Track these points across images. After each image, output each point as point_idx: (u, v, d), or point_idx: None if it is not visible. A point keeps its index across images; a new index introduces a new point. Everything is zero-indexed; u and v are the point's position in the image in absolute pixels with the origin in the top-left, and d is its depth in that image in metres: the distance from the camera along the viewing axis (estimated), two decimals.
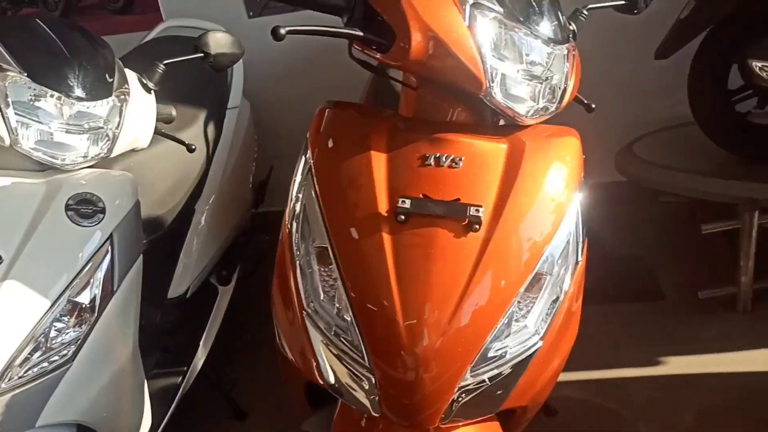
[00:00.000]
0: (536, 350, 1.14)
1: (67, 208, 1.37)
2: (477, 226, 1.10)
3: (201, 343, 2.02)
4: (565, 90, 1.24)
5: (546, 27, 1.19)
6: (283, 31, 1.09)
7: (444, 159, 1.15)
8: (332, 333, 1.14)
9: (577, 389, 2.08)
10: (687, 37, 2.15)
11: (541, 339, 1.14)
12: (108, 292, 1.41)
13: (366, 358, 1.10)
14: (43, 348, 1.31)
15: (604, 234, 2.51)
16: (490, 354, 1.11)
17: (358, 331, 1.10)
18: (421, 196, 1.12)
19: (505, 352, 1.12)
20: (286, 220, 1.26)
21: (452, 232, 1.10)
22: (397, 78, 1.27)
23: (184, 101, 2.02)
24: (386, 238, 1.11)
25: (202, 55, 1.59)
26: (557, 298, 1.16)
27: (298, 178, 1.26)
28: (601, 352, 2.23)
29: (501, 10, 1.14)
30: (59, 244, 1.36)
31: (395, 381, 1.09)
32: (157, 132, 1.60)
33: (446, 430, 1.16)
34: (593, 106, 1.45)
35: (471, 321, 1.08)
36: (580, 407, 2.02)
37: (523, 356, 1.13)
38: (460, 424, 1.16)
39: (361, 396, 1.14)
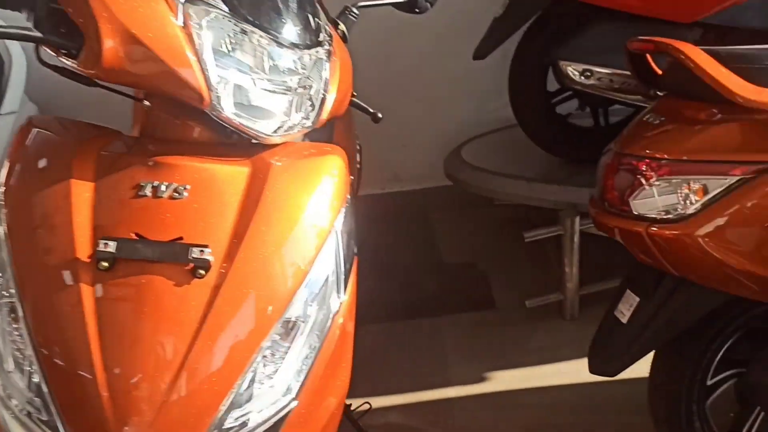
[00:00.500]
0: (290, 411, 0.95)
1: None
2: (202, 271, 0.90)
3: None
4: (324, 100, 1.07)
5: (289, 29, 1.03)
6: None
7: (164, 188, 0.94)
8: (24, 413, 0.90)
9: (400, 414, 1.98)
10: (501, 37, 2.05)
11: (295, 399, 0.96)
12: None
13: None
14: None
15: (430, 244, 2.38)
16: (227, 425, 0.91)
17: (55, 410, 0.88)
18: (132, 235, 0.91)
19: (247, 420, 0.92)
20: None
21: (172, 280, 0.90)
22: (117, 89, 1.04)
23: None
24: (86, 291, 0.89)
25: None
26: (315, 345, 0.98)
27: None
28: (432, 368, 2.15)
29: (225, 8, 0.96)
30: None
31: None
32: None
33: None
34: (380, 115, 1.37)
35: (197, 389, 0.88)
36: None
37: (274, 420, 0.95)
38: None
39: None
